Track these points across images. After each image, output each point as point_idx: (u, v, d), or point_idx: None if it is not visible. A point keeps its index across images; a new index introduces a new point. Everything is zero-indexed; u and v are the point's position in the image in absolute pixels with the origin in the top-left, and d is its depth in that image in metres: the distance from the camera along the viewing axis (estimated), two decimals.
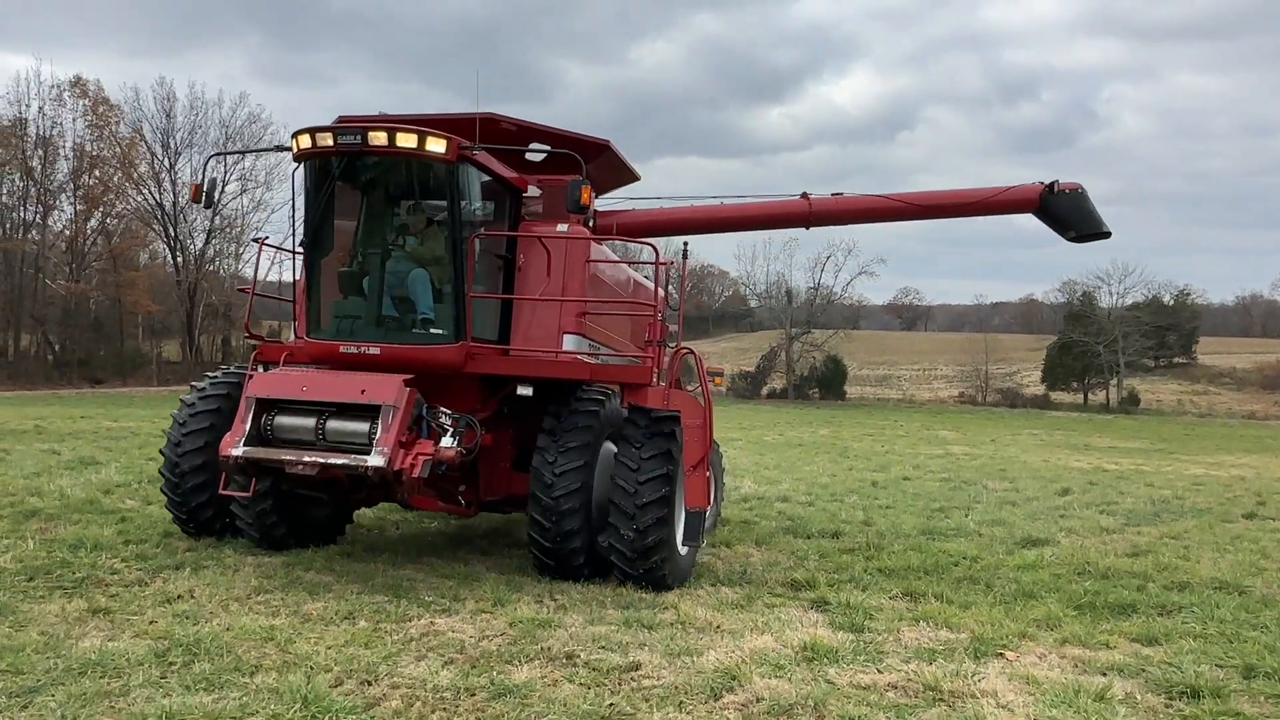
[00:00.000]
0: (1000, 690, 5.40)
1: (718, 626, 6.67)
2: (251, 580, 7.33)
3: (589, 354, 8.57)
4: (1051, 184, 10.85)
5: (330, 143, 7.50)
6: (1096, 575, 9.16)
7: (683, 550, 8.00)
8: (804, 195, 10.77)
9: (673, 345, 8.94)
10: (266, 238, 8.86)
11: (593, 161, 9.25)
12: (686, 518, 7.58)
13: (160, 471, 8.82)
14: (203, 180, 8.42)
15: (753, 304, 79.01)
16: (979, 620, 7.10)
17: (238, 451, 7.05)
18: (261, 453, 7.05)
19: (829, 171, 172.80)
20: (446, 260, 7.71)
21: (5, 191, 51.79)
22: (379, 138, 7.36)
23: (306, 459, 6.88)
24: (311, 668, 5.30)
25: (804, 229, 11.34)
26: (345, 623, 6.30)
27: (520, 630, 6.28)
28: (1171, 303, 70.69)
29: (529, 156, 8.51)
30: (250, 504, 8.19)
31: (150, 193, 55.89)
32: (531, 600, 7.13)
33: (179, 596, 6.77)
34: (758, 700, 5.11)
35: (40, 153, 51.07)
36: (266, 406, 7.26)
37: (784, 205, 10.94)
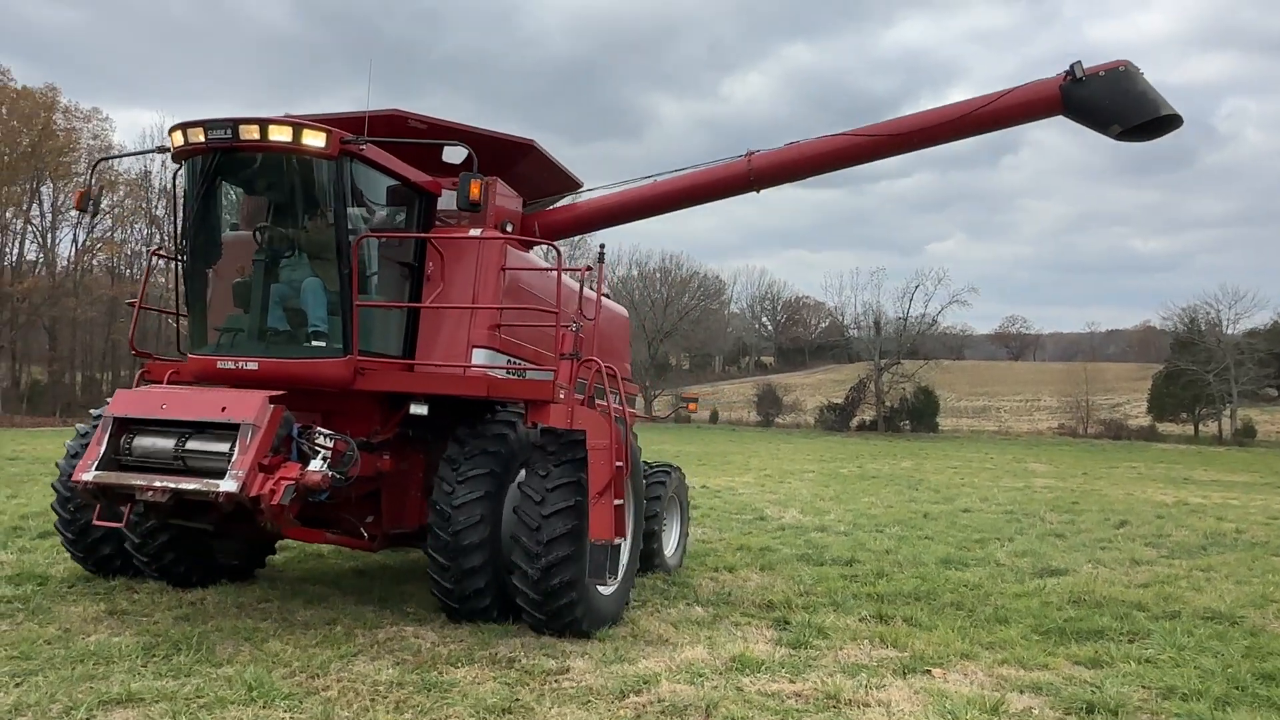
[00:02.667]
0: (896, 700, 5.69)
1: (666, 640, 7.11)
2: (259, 590, 8.15)
3: (494, 369, 7.75)
4: (1073, 67, 8.38)
5: (201, 139, 7.01)
6: (1089, 604, 9.14)
7: (605, 590, 7.28)
8: (748, 153, 9.33)
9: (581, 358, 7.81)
10: (160, 248, 8.18)
11: (519, 164, 8.82)
12: (591, 551, 6.79)
13: (52, 506, 8.31)
14: (88, 187, 7.99)
15: (852, 334, 78.28)
16: (930, 641, 7.31)
17: (88, 476, 6.48)
18: (112, 477, 6.48)
19: (929, 198, 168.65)
20: (329, 266, 7.12)
21: (133, 239, 56.27)
22: (251, 131, 6.88)
23: (157, 484, 6.33)
24: (273, 663, 6.02)
25: (754, 193, 9.53)
26: (324, 628, 7.03)
27: (478, 639, 6.86)
28: None
29: (446, 158, 7.93)
30: (144, 538, 7.78)
31: None
32: None
33: (191, 603, 7.63)
34: (658, 701, 5.56)
35: (163, 202, 55.28)
36: (125, 426, 6.72)
37: (721, 169, 9.47)
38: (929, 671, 6.48)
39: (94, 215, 8.21)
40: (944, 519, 17.35)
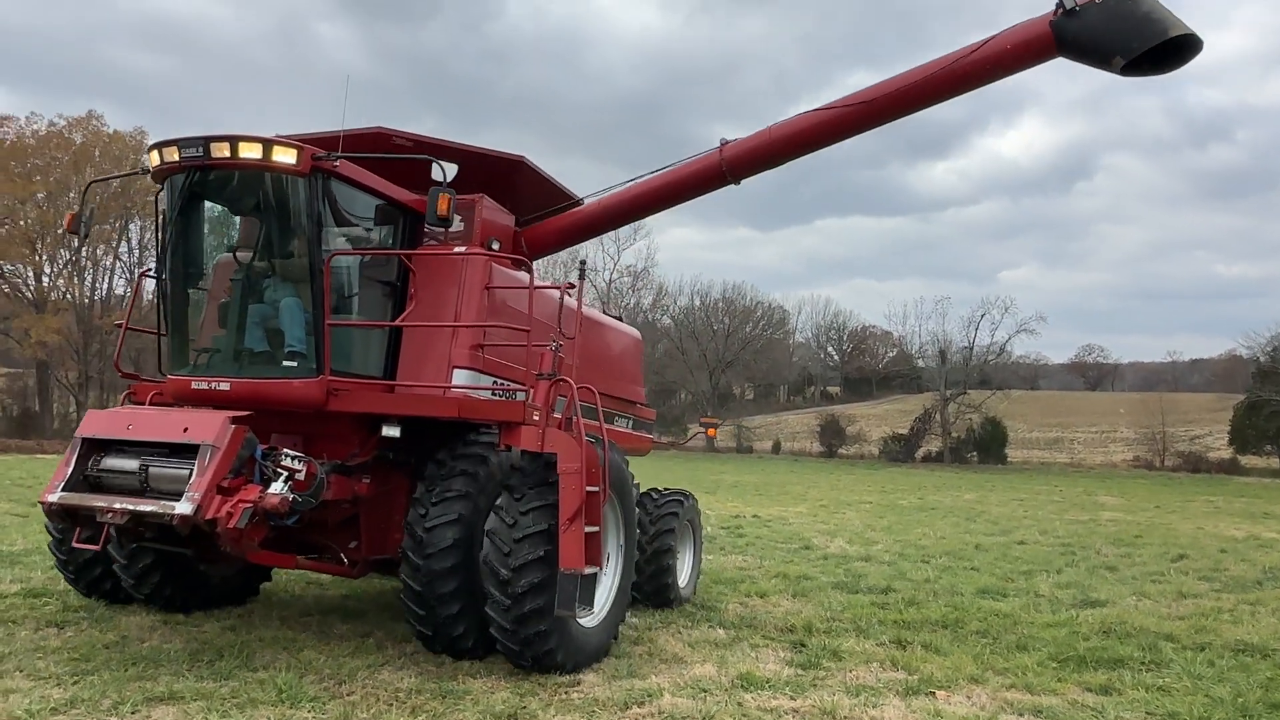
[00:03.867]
0: (889, 719, 5.85)
1: (679, 658, 7.37)
2: (303, 605, 8.67)
3: (477, 390, 7.50)
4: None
5: (175, 157, 7.02)
6: (1118, 634, 9.08)
7: (588, 622, 7.03)
8: (722, 143, 8.71)
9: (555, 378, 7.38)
10: (149, 269, 8.17)
11: (511, 180, 8.77)
12: (560, 581, 6.43)
13: (49, 546, 8.46)
14: (81, 210, 8.06)
15: (920, 364, 77.28)
16: (942, 665, 7.42)
17: (54, 497, 6.43)
18: (75, 498, 6.42)
19: (1000, 225, 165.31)
20: (305, 286, 7.03)
21: None
22: (222, 149, 6.86)
23: (116, 505, 6.23)
24: (306, 669, 6.48)
25: (733, 185, 8.90)
26: (358, 640, 7.48)
27: (499, 655, 7.20)
28: None
29: (436, 175, 7.72)
30: (130, 562, 7.83)
31: None
32: None
33: (239, 615, 8.19)
34: (658, 713, 5.86)
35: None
36: (96, 447, 6.67)
37: (694, 164, 8.84)
38: (932, 693, 6.61)
39: (85, 237, 8.17)
40: (996, 550, 17.15)
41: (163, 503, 6.14)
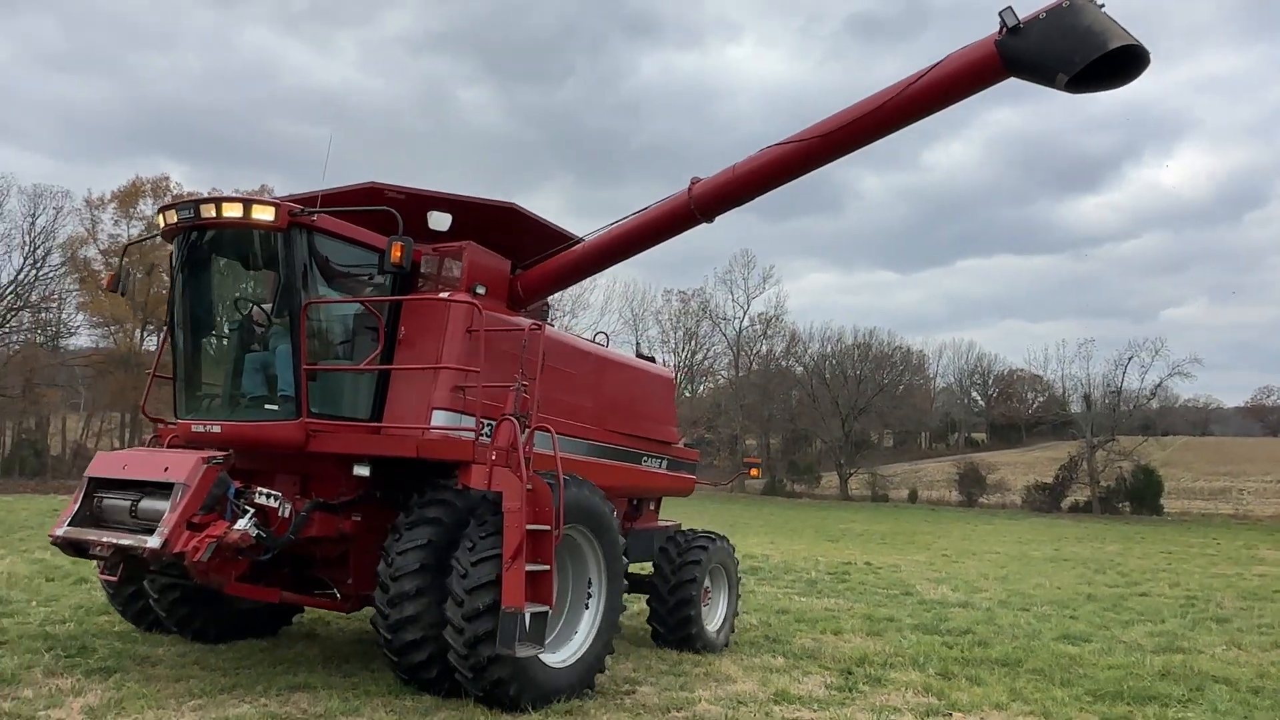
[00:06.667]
0: None
1: (730, 678, 8.36)
2: None
3: (460, 431, 7.62)
4: (1003, 15, 7.02)
5: (175, 219, 7.69)
6: (1175, 677, 9.35)
7: (555, 660, 7.25)
8: (692, 182, 8.60)
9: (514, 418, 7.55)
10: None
11: (506, 227, 9.02)
12: (500, 619, 6.57)
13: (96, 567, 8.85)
14: (120, 270, 8.64)
15: (1070, 409, 74.29)
16: (973, 694, 8.10)
17: (60, 531, 7.06)
18: (75, 533, 7.04)
19: (1162, 259, 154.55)
20: (287, 332, 7.52)
21: None
22: (209, 209, 7.49)
23: (105, 540, 6.83)
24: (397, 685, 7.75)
25: (707, 224, 8.76)
26: None
27: None
28: None
29: (432, 225, 8.06)
30: (161, 594, 8.45)
31: None
32: (627, 644, 9.24)
33: (366, 631, 9.67)
34: (693, 716, 6.90)
35: None
36: (100, 485, 7.29)
37: (666, 204, 8.79)
38: (949, 715, 7.36)
39: (124, 294, 9.50)
40: (1108, 601, 16.97)
41: (138, 537, 6.75)
